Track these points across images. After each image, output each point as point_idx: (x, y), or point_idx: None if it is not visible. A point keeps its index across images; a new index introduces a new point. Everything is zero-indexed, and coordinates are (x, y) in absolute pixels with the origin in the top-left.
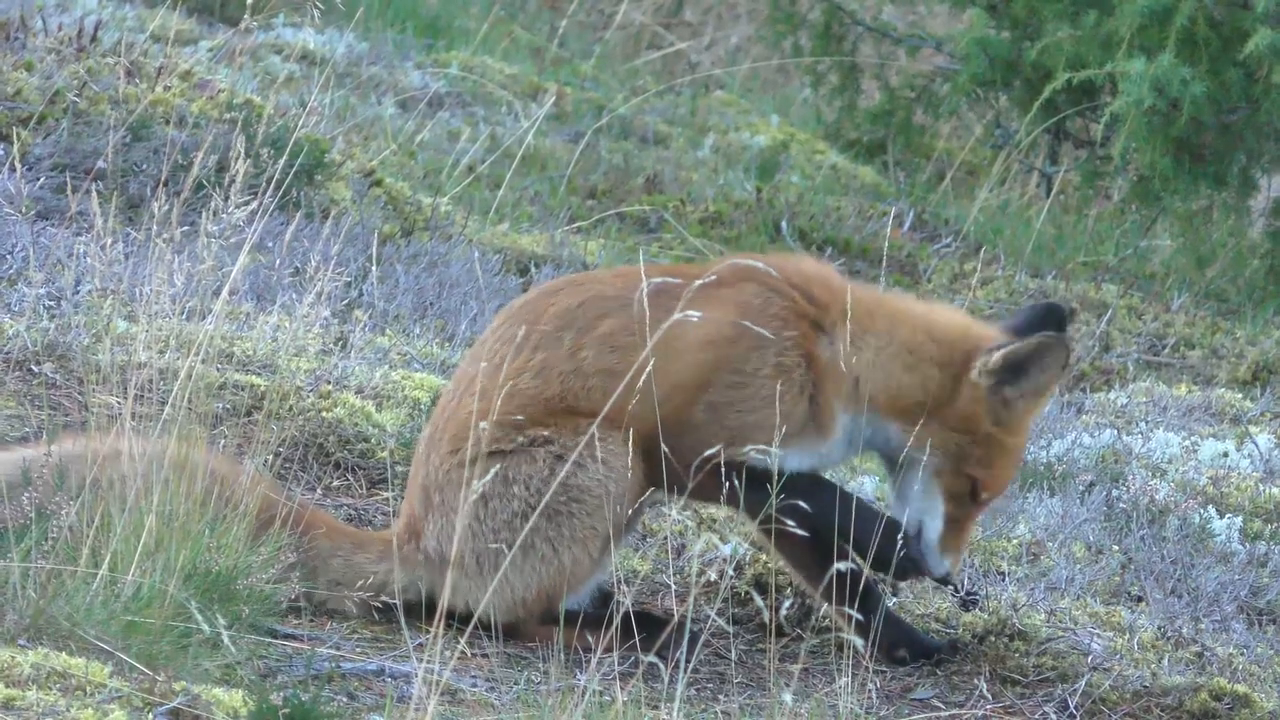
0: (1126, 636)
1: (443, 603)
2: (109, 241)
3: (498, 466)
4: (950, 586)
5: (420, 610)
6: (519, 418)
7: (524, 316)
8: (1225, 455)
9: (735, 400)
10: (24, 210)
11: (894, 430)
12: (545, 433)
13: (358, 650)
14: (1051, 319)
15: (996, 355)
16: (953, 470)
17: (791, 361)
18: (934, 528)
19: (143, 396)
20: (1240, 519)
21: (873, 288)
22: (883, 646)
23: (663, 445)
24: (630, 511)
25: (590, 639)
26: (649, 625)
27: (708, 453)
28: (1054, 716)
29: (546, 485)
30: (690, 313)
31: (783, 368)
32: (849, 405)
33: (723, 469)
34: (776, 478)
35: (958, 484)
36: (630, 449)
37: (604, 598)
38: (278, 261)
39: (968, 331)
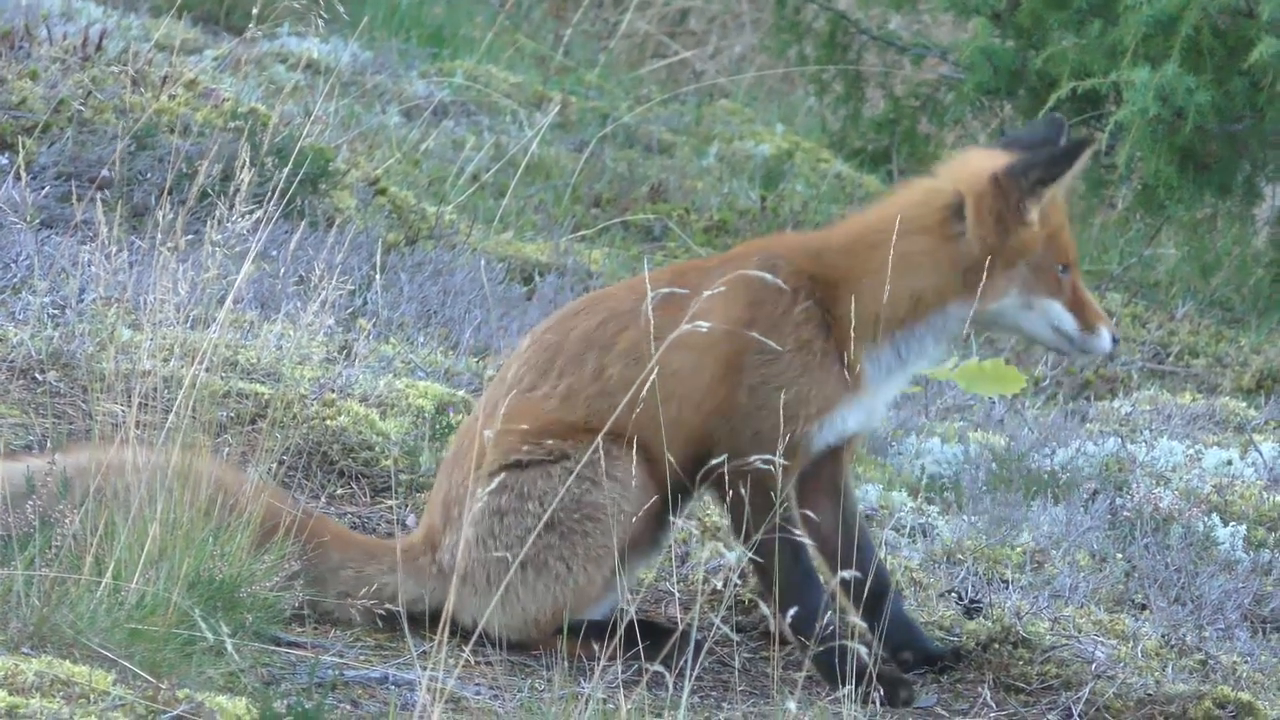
0: (1130, 644)
1: (446, 613)
2: (113, 250)
3: (503, 476)
4: (1117, 344)
5: (435, 619)
6: (540, 438)
7: (548, 341)
8: (1229, 463)
9: (770, 376)
10: (29, 219)
11: (956, 308)
12: (564, 447)
13: (361, 658)
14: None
15: (1034, 178)
16: (1036, 279)
17: (809, 334)
18: (1067, 324)
19: (147, 405)
20: (1244, 527)
21: (838, 223)
22: (889, 646)
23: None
24: (644, 528)
25: (594, 647)
26: (653, 633)
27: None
28: None
29: (560, 502)
30: (700, 323)
31: (801, 341)
32: (878, 342)
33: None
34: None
35: (1050, 283)
36: (637, 466)
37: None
38: (282, 270)
39: (931, 194)
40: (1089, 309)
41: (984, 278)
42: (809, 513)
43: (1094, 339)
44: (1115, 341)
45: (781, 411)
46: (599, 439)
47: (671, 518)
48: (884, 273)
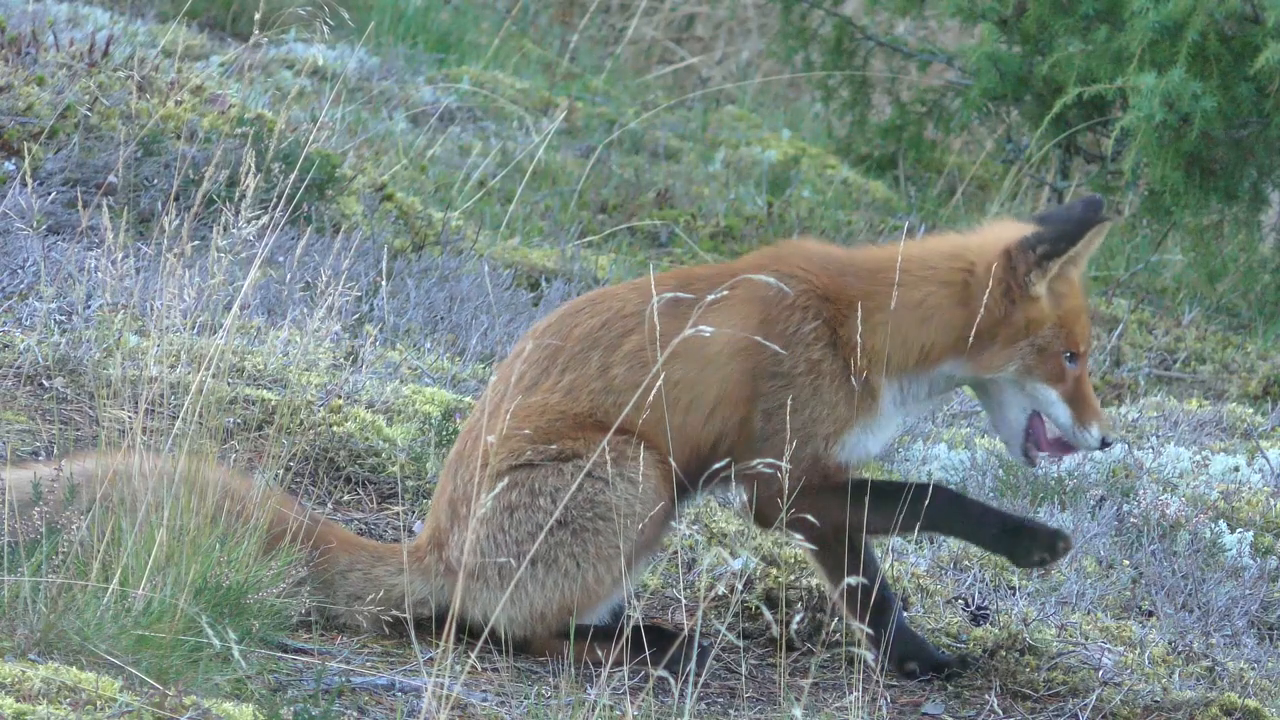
0: (1137, 651)
1: (453, 610)
2: (120, 256)
3: (506, 480)
4: (1107, 447)
5: (440, 623)
6: (548, 435)
7: (549, 340)
8: (1236, 470)
9: (784, 401)
10: (35, 225)
11: (952, 368)
12: (574, 446)
13: (368, 664)
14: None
15: (1040, 252)
16: (1038, 361)
17: (819, 354)
18: (1061, 414)
19: (154, 411)
20: (1251, 534)
21: (868, 247)
22: (894, 658)
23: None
24: (652, 529)
25: (600, 653)
26: (659, 639)
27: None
28: None
29: (573, 500)
30: (703, 327)
31: (812, 363)
32: (888, 375)
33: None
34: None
35: (1053, 369)
36: (649, 469)
37: (614, 612)
38: (289, 276)
39: (959, 249)
40: (1087, 406)
41: (987, 346)
42: (811, 518)
43: (1084, 434)
44: (1107, 444)
45: (799, 431)
46: (607, 439)
47: (673, 521)
48: (902, 314)
